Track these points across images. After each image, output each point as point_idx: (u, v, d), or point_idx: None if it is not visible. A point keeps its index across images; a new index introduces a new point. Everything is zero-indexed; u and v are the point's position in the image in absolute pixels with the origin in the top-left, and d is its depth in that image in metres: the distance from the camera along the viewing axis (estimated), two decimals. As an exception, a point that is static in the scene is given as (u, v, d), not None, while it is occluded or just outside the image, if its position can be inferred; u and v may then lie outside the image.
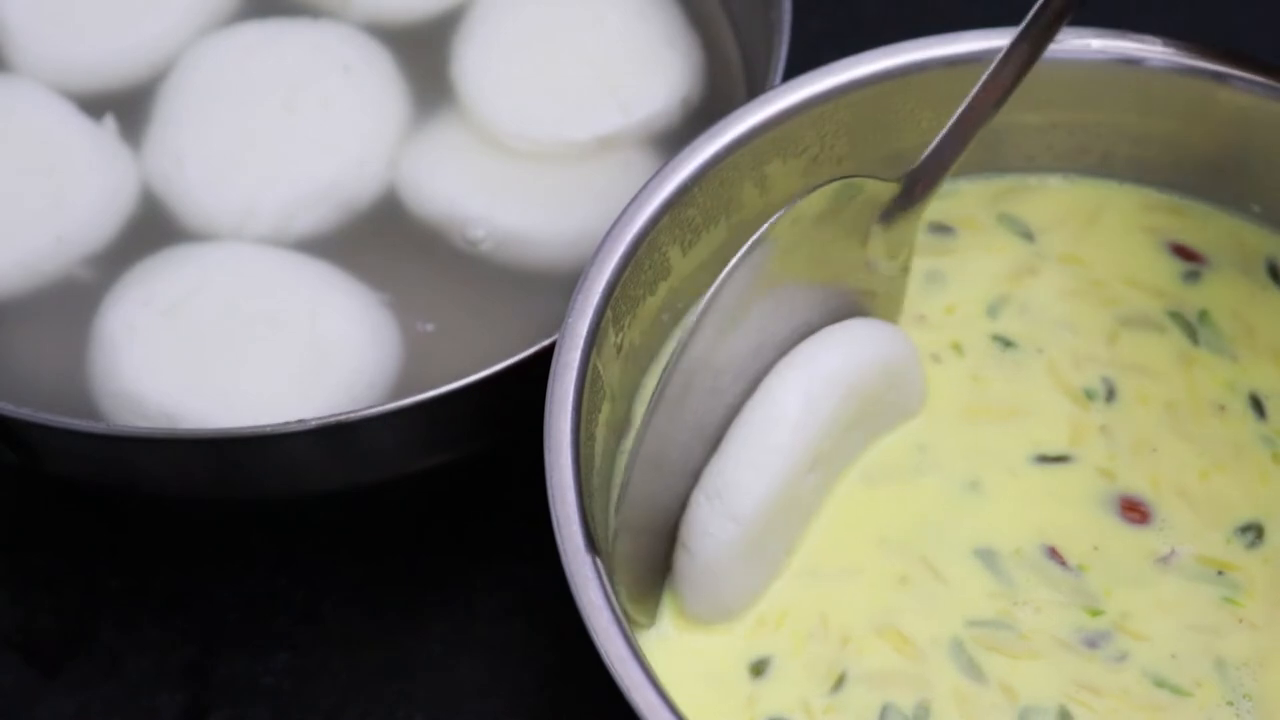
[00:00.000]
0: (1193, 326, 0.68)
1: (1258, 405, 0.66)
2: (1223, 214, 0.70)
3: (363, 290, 0.74)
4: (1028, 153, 0.71)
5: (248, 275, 0.74)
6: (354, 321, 0.73)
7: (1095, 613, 0.62)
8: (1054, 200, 0.71)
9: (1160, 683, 0.61)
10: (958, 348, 0.68)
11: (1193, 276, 0.69)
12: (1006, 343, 0.68)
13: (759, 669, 0.62)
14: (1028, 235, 0.70)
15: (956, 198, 0.71)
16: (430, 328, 0.74)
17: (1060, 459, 0.65)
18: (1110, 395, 0.66)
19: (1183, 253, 0.70)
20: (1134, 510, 0.64)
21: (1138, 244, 0.70)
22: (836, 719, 0.61)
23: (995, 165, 0.71)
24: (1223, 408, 0.66)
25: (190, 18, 0.81)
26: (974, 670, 0.61)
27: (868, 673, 0.61)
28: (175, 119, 0.78)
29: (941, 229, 0.70)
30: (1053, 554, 0.64)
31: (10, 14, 0.81)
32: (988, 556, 0.63)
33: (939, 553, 0.64)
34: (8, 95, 0.79)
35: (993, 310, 0.68)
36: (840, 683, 0.61)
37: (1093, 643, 0.62)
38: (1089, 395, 0.66)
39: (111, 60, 0.80)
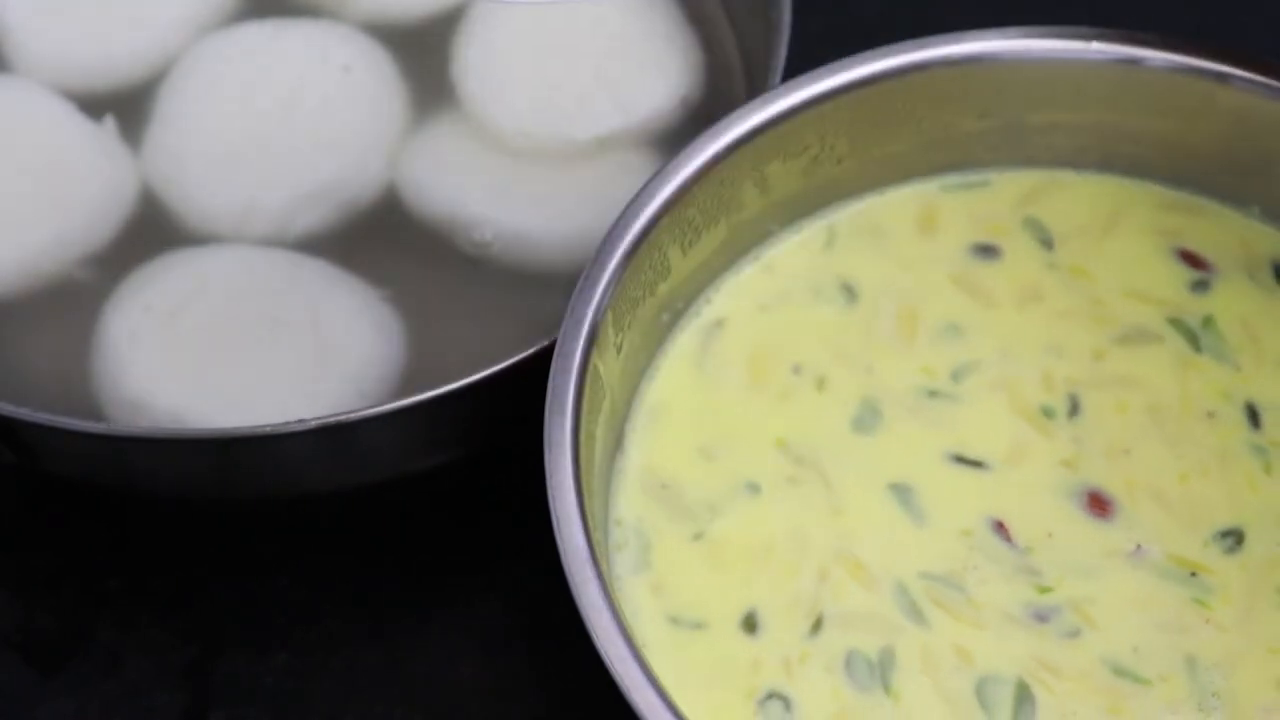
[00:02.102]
0: (1195, 333, 0.68)
1: (1253, 414, 0.66)
2: (1230, 213, 0.70)
3: (364, 288, 0.74)
4: (1028, 153, 0.71)
5: (248, 277, 0.74)
6: (358, 319, 0.73)
7: (1044, 590, 0.63)
8: (1076, 200, 0.71)
9: (1120, 672, 0.61)
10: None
11: (1201, 286, 0.69)
12: (933, 392, 0.67)
13: (750, 624, 0.62)
14: (1048, 243, 0.70)
15: (988, 190, 0.71)
16: (430, 327, 0.74)
17: (977, 464, 0.65)
18: (1075, 410, 0.66)
19: (1191, 259, 0.69)
20: (1099, 506, 0.64)
21: (1150, 249, 0.70)
22: (810, 667, 0.61)
23: (1022, 160, 0.72)
24: (1212, 415, 0.66)
25: (190, 18, 0.81)
26: (917, 613, 0.62)
27: (841, 614, 0.62)
28: (175, 119, 0.78)
29: (986, 250, 0.70)
30: (999, 528, 0.64)
31: (10, 14, 0.81)
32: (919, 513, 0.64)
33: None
34: (7, 95, 0.79)
35: (958, 374, 0.68)
36: (818, 626, 0.62)
37: (1043, 617, 0.62)
38: (1047, 414, 0.66)
39: (111, 60, 0.80)
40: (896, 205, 0.71)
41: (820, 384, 0.67)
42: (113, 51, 0.80)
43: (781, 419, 0.67)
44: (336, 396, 0.71)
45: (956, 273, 0.69)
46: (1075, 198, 0.71)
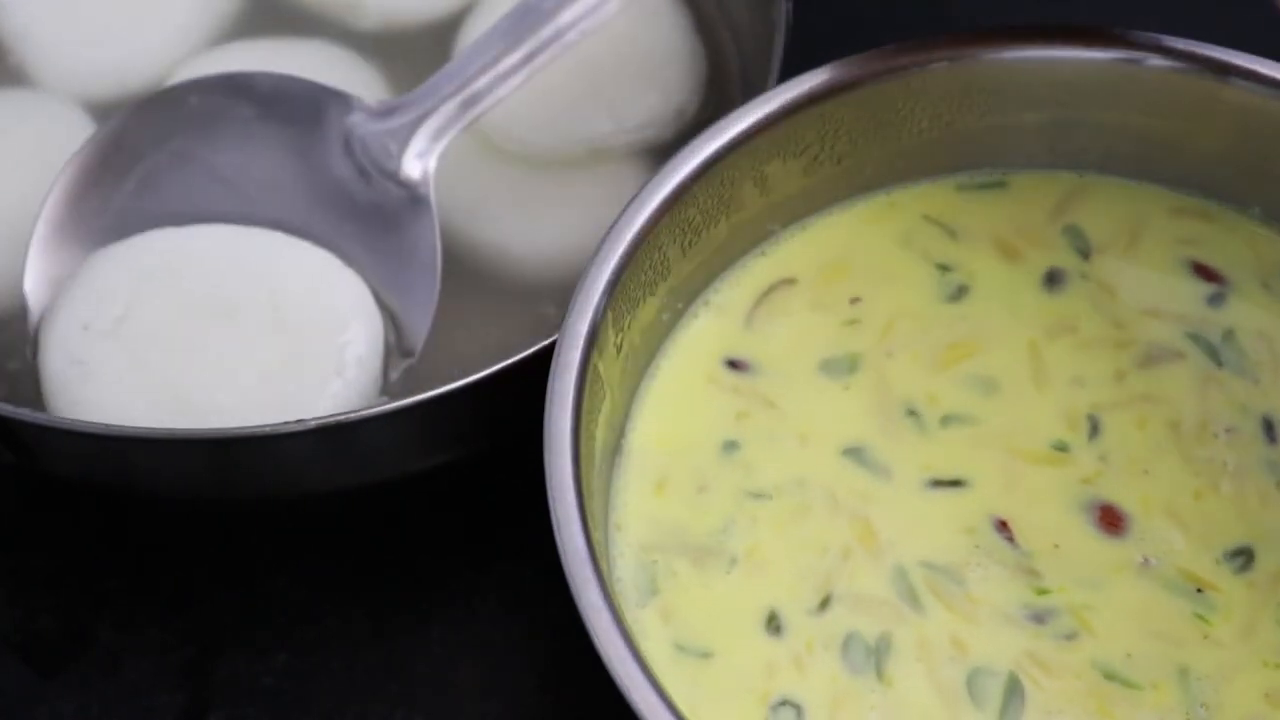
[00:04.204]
0: (1215, 348, 0.67)
1: (1269, 429, 0.66)
2: (1235, 218, 0.70)
3: (322, 253, 0.73)
4: (1029, 152, 0.71)
5: (196, 263, 0.71)
6: (323, 292, 0.72)
7: (1043, 591, 0.63)
8: (1105, 205, 0.70)
9: (1111, 675, 0.61)
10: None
11: (1218, 299, 0.69)
12: (913, 412, 0.67)
13: (773, 622, 0.62)
14: (1085, 252, 0.69)
15: (1008, 193, 0.71)
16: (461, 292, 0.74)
17: (955, 483, 0.65)
18: (1095, 431, 0.66)
19: (1205, 272, 0.69)
20: (1111, 521, 0.64)
21: (1168, 262, 0.69)
22: (814, 652, 0.61)
23: (1023, 161, 0.71)
24: (1230, 430, 0.66)
25: (194, 34, 0.81)
26: (915, 600, 0.62)
27: (850, 594, 0.62)
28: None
29: (1053, 278, 0.69)
30: (1001, 526, 0.64)
31: (26, 26, 0.81)
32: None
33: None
34: (24, 107, 0.79)
35: (947, 420, 0.67)
36: (826, 603, 0.62)
37: (1040, 619, 0.62)
38: (1060, 448, 0.66)
39: (118, 74, 0.80)
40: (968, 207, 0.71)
41: (850, 323, 0.68)
42: (119, 65, 0.80)
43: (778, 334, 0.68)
44: (315, 392, 0.70)
45: (1037, 337, 0.68)
46: (1101, 205, 0.70)
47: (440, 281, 0.72)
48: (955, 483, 0.65)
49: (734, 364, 0.67)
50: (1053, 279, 0.69)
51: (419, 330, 0.72)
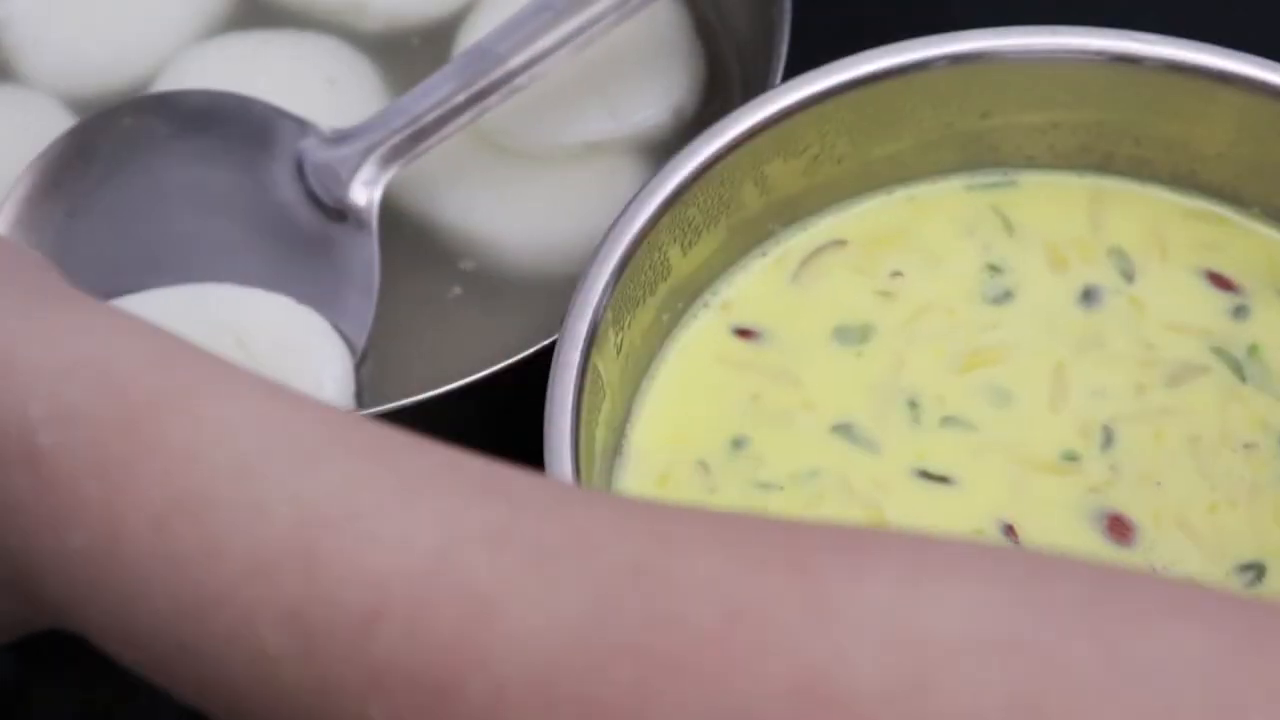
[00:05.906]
0: (1239, 363, 0.67)
1: None
2: (1244, 220, 0.70)
3: (271, 297, 0.73)
4: (1028, 152, 0.71)
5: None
6: (284, 330, 0.72)
7: None
8: (1127, 210, 0.70)
9: None
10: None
11: (1241, 311, 0.68)
12: (913, 402, 0.67)
13: None
14: (1129, 275, 0.69)
15: (1025, 193, 0.71)
16: (425, 328, 0.74)
17: (944, 479, 0.65)
18: (1109, 441, 0.66)
19: (1221, 283, 0.69)
20: (1119, 531, 0.64)
21: (1192, 272, 0.69)
22: None
23: (1023, 161, 0.71)
24: (1249, 446, 0.65)
25: (179, 28, 0.81)
26: None
27: None
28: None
29: (1089, 295, 0.69)
30: (1008, 531, 0.64)
31: (10, 17, 0.81)
32: None
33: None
34: (11, 104, 0.79)
35: (947, 421, 0.67)
36: None
37: None
38: (1069, 458, 0.65)
39: (101, 69, 0.80)
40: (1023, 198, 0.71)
41: (883, 295, 0.68)
42: (103, 60, 0.80)
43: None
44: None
45: (1065, 356, 0.67)
46: (1123, 210, 0.70)
47: (377, 305, 0.73)
48: (944, 479, 0.65)
49: (744, 332, 0.67)
50: (1089, 296, 0.69)
51: (354, 349, 0.73)
